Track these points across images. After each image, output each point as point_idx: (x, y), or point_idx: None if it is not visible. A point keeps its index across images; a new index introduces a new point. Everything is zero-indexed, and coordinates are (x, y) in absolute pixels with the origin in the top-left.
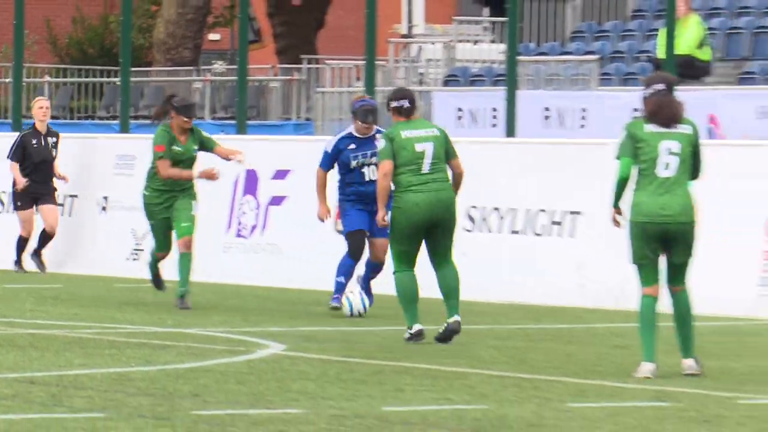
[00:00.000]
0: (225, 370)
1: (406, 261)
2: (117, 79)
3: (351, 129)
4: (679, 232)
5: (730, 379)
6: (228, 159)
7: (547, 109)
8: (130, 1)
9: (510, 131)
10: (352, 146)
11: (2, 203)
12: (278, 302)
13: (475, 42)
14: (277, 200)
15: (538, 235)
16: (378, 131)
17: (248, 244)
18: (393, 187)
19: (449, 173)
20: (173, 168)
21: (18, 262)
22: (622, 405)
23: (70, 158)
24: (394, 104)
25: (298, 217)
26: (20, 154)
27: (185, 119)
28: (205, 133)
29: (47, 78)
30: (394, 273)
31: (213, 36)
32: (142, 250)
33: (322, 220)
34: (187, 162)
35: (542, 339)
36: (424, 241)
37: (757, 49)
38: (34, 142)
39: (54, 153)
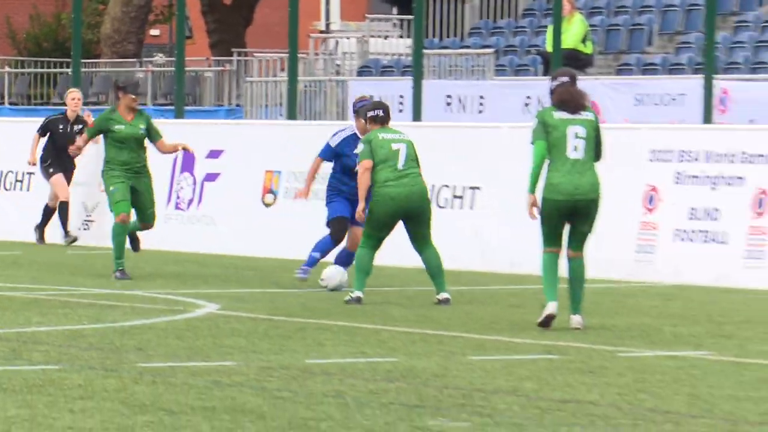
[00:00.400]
0: (166, 327)
1: (372, 243)
2: (69, 70)
3: (354, 129)
4: (587, 207)
5: (611, 334)
6: (173, 152)
7: (449, 96)
8: (80, 0)
9: (416, 116)
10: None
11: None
12: (212, 267)
13: (386, 37)
14: (211, 177)
15: (441, 207)
16: None
17: (186, 216)
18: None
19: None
20: (83, 140)
21: (65, 233)
22: (516, 358)
23: (28, 140)
24: (370, 114)
25: (230, 192)
26: (44, 130)
27: (133, 97)
28: (155, 123)
29: (7, 69)
30: (359, 247)
31: (154, 31)
32: (92, 221)
33: (304, 198)
34: (132, 141)
35: None
36: (405, 231)
37: (632, 44)
38: (60, 127)
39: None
